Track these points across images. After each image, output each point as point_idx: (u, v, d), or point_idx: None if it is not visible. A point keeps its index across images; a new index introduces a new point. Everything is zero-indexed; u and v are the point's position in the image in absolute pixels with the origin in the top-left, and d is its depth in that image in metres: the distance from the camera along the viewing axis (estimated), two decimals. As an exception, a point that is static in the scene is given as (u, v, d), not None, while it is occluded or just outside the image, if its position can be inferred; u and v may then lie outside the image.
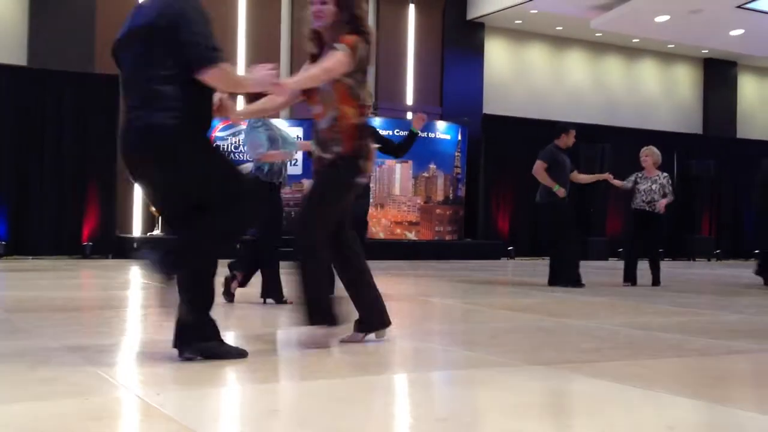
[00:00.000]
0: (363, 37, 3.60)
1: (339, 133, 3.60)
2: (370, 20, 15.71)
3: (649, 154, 8.56)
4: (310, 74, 3.58)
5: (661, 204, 8.33)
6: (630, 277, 8.36)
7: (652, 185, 8.36)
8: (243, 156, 13.76)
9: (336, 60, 3.51)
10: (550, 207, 7.88)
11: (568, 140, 8.01)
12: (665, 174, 8.52)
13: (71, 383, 2.75)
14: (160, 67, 3.03)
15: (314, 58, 3.70)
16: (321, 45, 3.72)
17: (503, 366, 3.29)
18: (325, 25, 3.65)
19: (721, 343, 4.11)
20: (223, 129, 13.75)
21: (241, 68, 13.21)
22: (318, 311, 3.58)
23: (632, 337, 4.31)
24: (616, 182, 8.50)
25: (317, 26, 3.68)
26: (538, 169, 7.84)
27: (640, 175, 8.52)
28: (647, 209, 8.37)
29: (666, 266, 14.45)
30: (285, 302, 5.39)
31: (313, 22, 3.67)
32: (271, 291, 5.50)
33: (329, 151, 3.62)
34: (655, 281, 8.39)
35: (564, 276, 7.77)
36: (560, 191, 7.76)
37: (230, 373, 3.07)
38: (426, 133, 14.82)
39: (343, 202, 3.67)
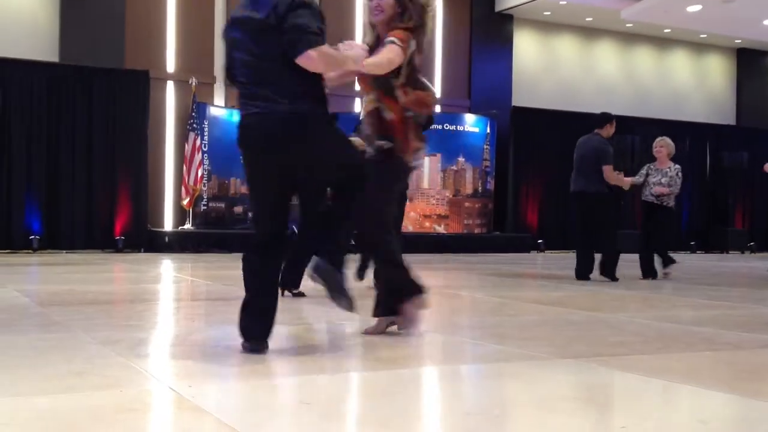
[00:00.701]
0: (414, 31, 3.63)
1: (380, 126, 3.64)
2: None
3: (664, 145, 8.32)
4: (378, 60, 3.52)
5: (656, 190, 8.05)
6: (649, 273, 8.12)
7: (662, 178, 8.13)
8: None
9: (396, 53, 3.53)
10: (598, 198, 7.64)
11: (611, 130, 7.87)
12: (677, 166, 8.26)
13: (104, 376, 2.79)
14: (282, 60, 3.14)
15: (369, 51, 3.66)
16: (377, 38, 3.73)
17: (533, 359, 3.27)
18: (382, 20, 3.67)
19: (756, 337, 4.05)
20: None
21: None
22: (408, 289, 3.71)
23: (663, 331, 4.27)
24: (627, 180, 8.12)
25: (375, 20, 3.70)
26: (610, 174, 7.60)
27: (651, 166, 8.30)
28: (656, 202, 8.17)
29: (698, 259, 14.31)
30: (300, 295, 5.44)
31: (372, 16, 3.71)
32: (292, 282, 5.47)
33: (372, 144, 3.67)
34: (657, 272, 8.15)
35: (609, 270, 7.62)
36: (626, 183, 7.77)
37: (263, 365, 3.09)
38: (455, 126, 14.80)
39: (393, 194, 3.76)
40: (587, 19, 16.77)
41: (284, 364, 3.11)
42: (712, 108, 18.93)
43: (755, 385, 2.89)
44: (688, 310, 5.35)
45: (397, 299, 3.72)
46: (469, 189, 14.84)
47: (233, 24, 3.30)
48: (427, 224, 14.57)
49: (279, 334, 3.79)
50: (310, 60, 3.09)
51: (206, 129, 13.22)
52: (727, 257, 15.22)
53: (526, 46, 16.92)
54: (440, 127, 14.20)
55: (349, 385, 2.86)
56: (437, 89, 15.83)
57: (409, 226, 14.33)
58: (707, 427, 2.24)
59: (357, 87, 3.94)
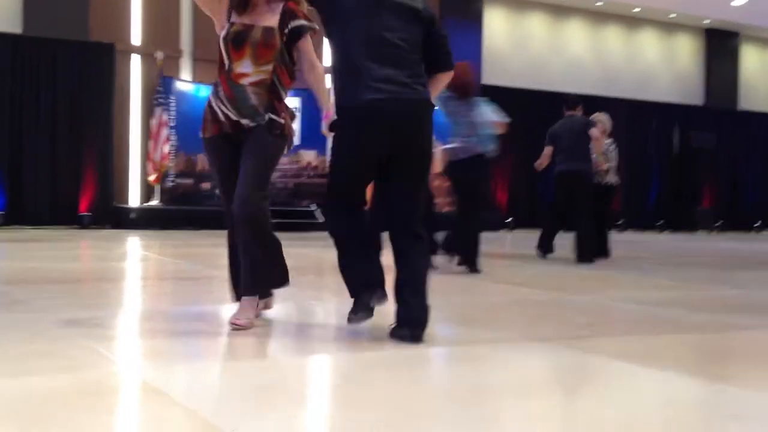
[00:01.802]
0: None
1: (269, 99, 3.45)
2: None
3: (600, 121, 8.18)
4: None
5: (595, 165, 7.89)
6: (603, 252, 8.01)
7: (599, 156, 7.98)
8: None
9: None
10: (585, 177, 7.62)
11: (580, 113, 7.92)
12: (610, 140, 8.28)
13: (67, 357, 2.74)
14: (420, 51, 3.31)
15: (239, 5, 3.46)
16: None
17: (501, 342, 3.29)
18: None
19: (720, 319, 4.11)
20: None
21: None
22: (268, 278, 3.55)
23: (627, 312, 4.31)
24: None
25: None
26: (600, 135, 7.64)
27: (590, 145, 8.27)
28: (601, 182, 8.05)
29: (667, 238, 14.49)
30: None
31: None
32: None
33: (260, 115, 3.43)
34: (598, 254, 7.85)
35: (587, 251, 7.50)
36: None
37: (229, 346, 3.07)
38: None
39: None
40: (557, -3, 16.79)
41: (251, 346, 3.09)
42: (681, 88, 19.09)
43: (719, 368, 2.93)
44: (653, 292, 5.41)
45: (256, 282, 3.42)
46: (438, 167, 14.80)
47: (383, 5, 3.25)
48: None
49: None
50: (448, 78, 3.49)
51: (173, 104, 13.03)
52: (694, 237, 15.43)
53: (495, 24, 16.89)
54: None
55: (316, 368, 2.85)
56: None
57: (378, 203, 14.32)
58: (671, 411, 2.26)
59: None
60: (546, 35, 17.53)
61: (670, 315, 4.21)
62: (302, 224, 12.70)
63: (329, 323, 3.84)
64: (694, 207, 17.69)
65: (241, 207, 3.30)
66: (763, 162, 19.03)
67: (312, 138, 12.69)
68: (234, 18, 3.44)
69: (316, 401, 2.39)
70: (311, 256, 7.82)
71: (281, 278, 3.62)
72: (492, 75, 16.32)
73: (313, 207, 13.31)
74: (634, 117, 17.43)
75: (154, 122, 12.67)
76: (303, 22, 3.44)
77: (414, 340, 3.10)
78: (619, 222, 16.50)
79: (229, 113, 3.42)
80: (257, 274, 3.41)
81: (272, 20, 3.42)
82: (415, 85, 3.22)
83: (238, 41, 3.39)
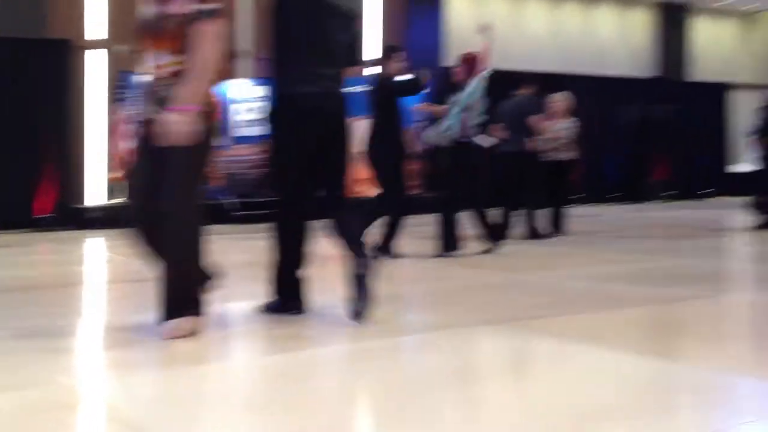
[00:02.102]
0: None
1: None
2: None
3: (561, 101, 8.49)
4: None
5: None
6: (558, 229, 8.19)
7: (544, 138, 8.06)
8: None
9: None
10: (525, 156, 7.84)
11: (528, 92, 8.09)
12: (574, 119, 8.48)
13: (15, 371, 2.72)
14: (351, 50, 3.69)
15: None
16: None
17: (455, 327, 3.43)
18: None
19: (663, 291, 4.31)
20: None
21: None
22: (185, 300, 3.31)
23: (578, 290, 4.50)
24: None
25: None
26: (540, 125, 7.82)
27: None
28: (554, 159, 8.22)
29: (621, 210, 14.77)
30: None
31: None
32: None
33: None
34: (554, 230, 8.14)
35: (535, 228, 7.77)
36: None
37: (181, 355, 3.03)
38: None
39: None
40: (513, -23, 16.90)
41: (197, 352, 3.09)
42: (636, 62, 19.38)
43: (661, 344, 3.11)
44: (603, 266, 5.62)
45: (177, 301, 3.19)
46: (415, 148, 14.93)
47: (324, 8, 3.58)
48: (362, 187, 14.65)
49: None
50: (353, 72, 3.72)
51: (137, 99, 12.95)
52: (649, 207, 15.75)
53: (458, 6, 17.00)
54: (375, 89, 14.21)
55: (270, 370, 2.89)
56: (378, 51, 15.77)
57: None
58: (610, 389, 2.43)
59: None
60: (507, 16, 17.70)
61: (617, 290, 4.41)
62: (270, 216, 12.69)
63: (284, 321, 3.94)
64: (648, 178, 18.04)
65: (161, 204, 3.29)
66: (715, 131, 19.41)
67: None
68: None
69: (266, 407, 2.37)
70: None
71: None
72: (456, 57, 16.42)
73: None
74: (592, 92, 17.67)
75: (113, 118, 12.61)
76: (212, 6, 3.25)
77: (357, 318, 3.39)
78: (579, 196, 16.77)
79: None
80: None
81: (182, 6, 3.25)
82: (338, 84, 3.64)
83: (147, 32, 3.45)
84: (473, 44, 18.06)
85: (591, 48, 18.69)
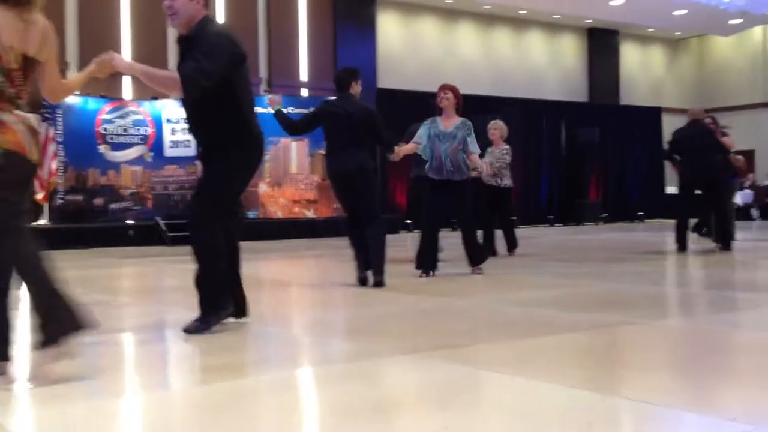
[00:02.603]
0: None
1: None
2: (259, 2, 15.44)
3: (497, 128, 8.78)
4: None
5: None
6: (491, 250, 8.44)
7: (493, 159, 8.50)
8: (130, 140, 13.41)
9: None
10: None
11: None
12: (507, 147, 8.71)
13: None
14: None
15: None
16: None
17: (377, 357, 3.36)
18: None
19: (590, 318, 4.31)
20: (111, 111, 13.34)
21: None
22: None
23: (507, 315, 4.47)
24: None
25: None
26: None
27: (488, 149, 8.72)
28: (493, 183, 8.58)
29: (555, 232, 15.01)
30: None
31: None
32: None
33: None
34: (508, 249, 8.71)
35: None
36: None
37: (97, 386, 3.01)
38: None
39: None
40: (447, 1, 17.12)
41: (112, 382, 3.06)
42: (567, 86, 19.81)
43: (581, 372, 3.08)
44: (534, 291, 5.62)
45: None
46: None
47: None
48: (297, 209, 14.55)
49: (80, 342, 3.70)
50: None
51: (60, 118, 12.64)
52: (582, 229, 16.03)
53: (389, 28, 17.10)
54: (307, 111, 14.16)
55: (183, 402, 2.83)
56: (303, 73, 15.74)
57: (278, 211, 14.27)
58: (530, 423, 2.38)
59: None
60: (438, 38, 17.88)
61: (546, 316, 4.40)
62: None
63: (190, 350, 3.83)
64: (582, 200, 18.40)
65: None
66: (645, 154, 19.95)
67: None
68: None
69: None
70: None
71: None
72: (387, 79, 16.51)
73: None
74: (525, 116, 17.98)
75: (39, 138, 12.22)
76: None
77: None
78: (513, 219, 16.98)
79: None
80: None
81: None
82: None
83: None
84: (405, 66, 18.22)
85: (523, 72, 19.03)
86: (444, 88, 6.88)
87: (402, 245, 11.66)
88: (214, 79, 3.74)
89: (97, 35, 12.87)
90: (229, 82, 3.84)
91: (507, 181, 8.69)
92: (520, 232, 15.37)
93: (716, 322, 4.27)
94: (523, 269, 7.29)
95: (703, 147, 8.68)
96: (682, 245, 8.73)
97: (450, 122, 6.70)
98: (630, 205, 19.58)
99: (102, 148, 13.20)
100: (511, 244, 8.87)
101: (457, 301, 5.12)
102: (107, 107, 13.30)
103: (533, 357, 3.33)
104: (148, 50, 13.40)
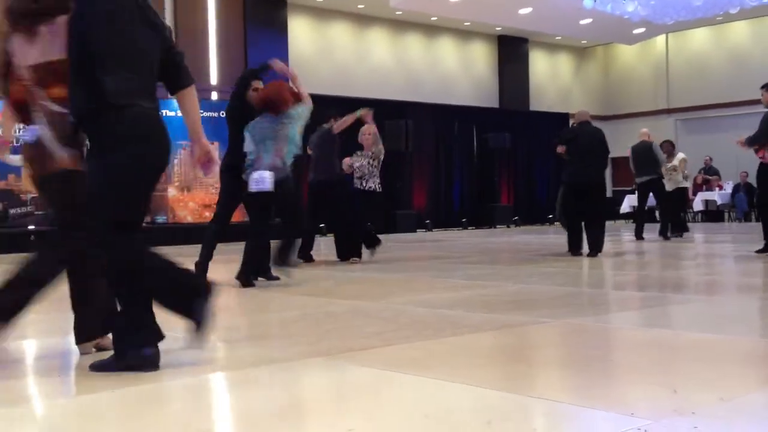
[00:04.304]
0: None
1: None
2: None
3: (370, 133, 8.88)
4: None
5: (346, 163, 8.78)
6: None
7: (364, 161, 8.77)
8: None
9: None
10: (332, 185, 8.62)
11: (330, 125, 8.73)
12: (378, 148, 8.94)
13: None
14: None
15: None
16: None
17: (282, 362, 3.29)
18: None
19: (495, 318, 4.35)
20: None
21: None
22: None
23: (416, 317, 4.47)
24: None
25: None
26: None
27: (359, 153, 8.88)
28: (359, 187, 8.74)
29: (467, 235, 15.21)
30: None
31: None
32: None
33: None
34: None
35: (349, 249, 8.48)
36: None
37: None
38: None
39: None
40: (359, 6, 17.15)
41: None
42: (478, 92, 20.13)
43: (486, 371, 3.08)
44: (444, 292, 5.65)
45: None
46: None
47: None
48: (207, 214, 14.27)
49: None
50: None
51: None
52: (494, 232, 16.29)
53: (300, 32, 16.99)
54: (217, 114, 13.92)
55: (86, 410, 2.71)
56: (213, 76, 15.47)
57: (188, 216, 13.98)
58: (431, 422, 2.36)
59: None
60: (350, 43, 17.88)
61: (454, 316, 4.41)
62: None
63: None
64: (493, 204, 18.72)
65: None
66: (554, 159, 20.45)
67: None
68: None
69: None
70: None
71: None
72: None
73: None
74: (437, 120, 18.18)
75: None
76: None
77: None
78: (425, 222, 17.17)
79: None
80: None
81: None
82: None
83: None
84: (317, 70, 18.16)
85: (435, 77, 19.23)
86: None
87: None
88: None
89: None
90: None
91: (371, 185, 8.77)
92: (434, 235, 15.56)
93: (616, 320, 4.38)
94: (434, 271, 7.33)
95: (590, 150, 8.59)
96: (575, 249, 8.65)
97: None
98: (539, 208, 20.03)
99: None
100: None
101: (366, 304, 5.09)
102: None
103: (440, 357, 3.33)
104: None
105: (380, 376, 2.99)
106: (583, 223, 8.57)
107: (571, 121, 20.69)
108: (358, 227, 8.51)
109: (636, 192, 12.48)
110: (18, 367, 3.41)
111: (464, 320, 4.29)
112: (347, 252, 8.44)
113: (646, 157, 11.64)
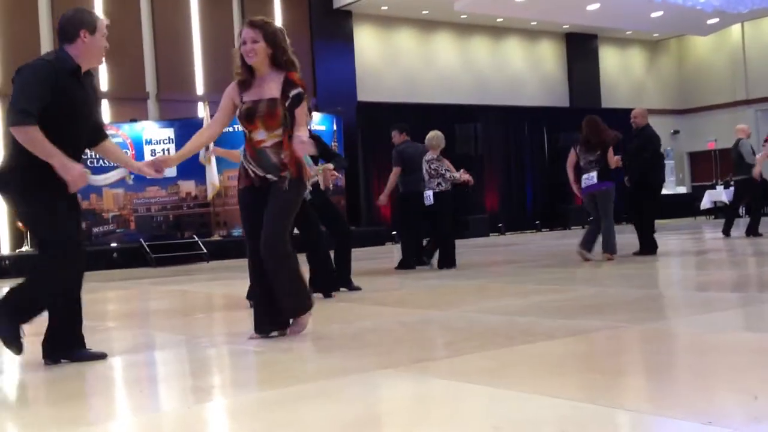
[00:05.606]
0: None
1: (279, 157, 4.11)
2: (235, 17, 15.48)
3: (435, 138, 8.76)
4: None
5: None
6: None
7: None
8: (110, 163, 13.35)
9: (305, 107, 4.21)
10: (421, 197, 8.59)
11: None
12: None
13: None
14: None
15: (244, 84, 4.17)
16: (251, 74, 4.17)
17: (355, 373, 3.32)
18: (258, 61, 4.12)
19: (569, 323, 4.29)
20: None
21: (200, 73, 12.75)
22: (302, 303, 4.28)
23: (488, 325, 4.44)
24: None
25: (251, 62, 4.12)
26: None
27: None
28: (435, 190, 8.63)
29: (542, 237, 15.02)
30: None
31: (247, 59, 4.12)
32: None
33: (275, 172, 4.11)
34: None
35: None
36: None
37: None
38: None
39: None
40: (423, 12, 17.18)
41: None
42: (547, 91, 19.88)
43: (555, 381, 3.05)
44: (516, 299, 5.60)
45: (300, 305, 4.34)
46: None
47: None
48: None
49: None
50: (18, 136, 3.52)
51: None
52: (568, 234, 16.04)
53: (367, 41, 17.13)
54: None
55: (164, 427, 2.80)
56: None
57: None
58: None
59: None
60: (416, 49, 17.92)
61: (525, 323, 4.36)
62: (185, 257, 12.51)
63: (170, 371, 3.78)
64: (567, 205, 18.42)
65: (263, 244, 4.06)
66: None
67: (189, 169, 12.55)
68: (244, 97, 4.14)
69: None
70: (199, 294, 7.66)
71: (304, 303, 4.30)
72: (367, 92, 16.54)
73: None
74: (506, 122, 18.03)
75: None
76: (300, 90, 4.11)
77: None
78: (499, 225, 17.03)
79: (257, 171, 4.14)
80: (291, 298, 4.20)
81: (275, 91, 4.09)
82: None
83: (249, 117, 4.12)
84: (384, 78, 18.30)
85: (503, 79, 19.08)
86: None
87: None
88: None
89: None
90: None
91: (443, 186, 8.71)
92: (507, 239, 15.41)
93: (696, 324, 4.27)
94: (509, 276, 7.28)
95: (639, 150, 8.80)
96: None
97: None
98: (615, 209, 19.57)
99: (83, 173, 13.11)
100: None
101: (438, 313, 5.08)
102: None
103: (510, 366, 3.30)
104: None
105: (452, 387, 2.99)
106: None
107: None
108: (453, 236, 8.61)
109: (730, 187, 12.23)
110: (106, 382, 3.52)
111: (536, 327, 4.25)
112: (443, 261, 8.43)
113: (738, 156, 11.30)
